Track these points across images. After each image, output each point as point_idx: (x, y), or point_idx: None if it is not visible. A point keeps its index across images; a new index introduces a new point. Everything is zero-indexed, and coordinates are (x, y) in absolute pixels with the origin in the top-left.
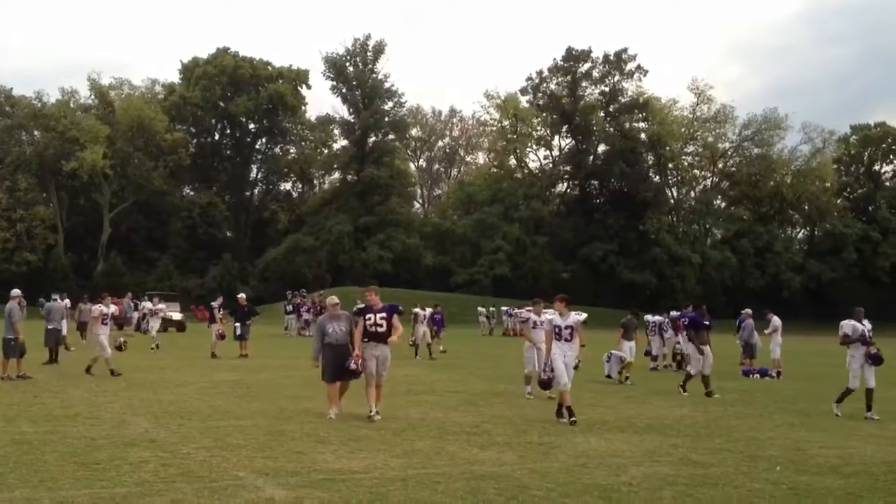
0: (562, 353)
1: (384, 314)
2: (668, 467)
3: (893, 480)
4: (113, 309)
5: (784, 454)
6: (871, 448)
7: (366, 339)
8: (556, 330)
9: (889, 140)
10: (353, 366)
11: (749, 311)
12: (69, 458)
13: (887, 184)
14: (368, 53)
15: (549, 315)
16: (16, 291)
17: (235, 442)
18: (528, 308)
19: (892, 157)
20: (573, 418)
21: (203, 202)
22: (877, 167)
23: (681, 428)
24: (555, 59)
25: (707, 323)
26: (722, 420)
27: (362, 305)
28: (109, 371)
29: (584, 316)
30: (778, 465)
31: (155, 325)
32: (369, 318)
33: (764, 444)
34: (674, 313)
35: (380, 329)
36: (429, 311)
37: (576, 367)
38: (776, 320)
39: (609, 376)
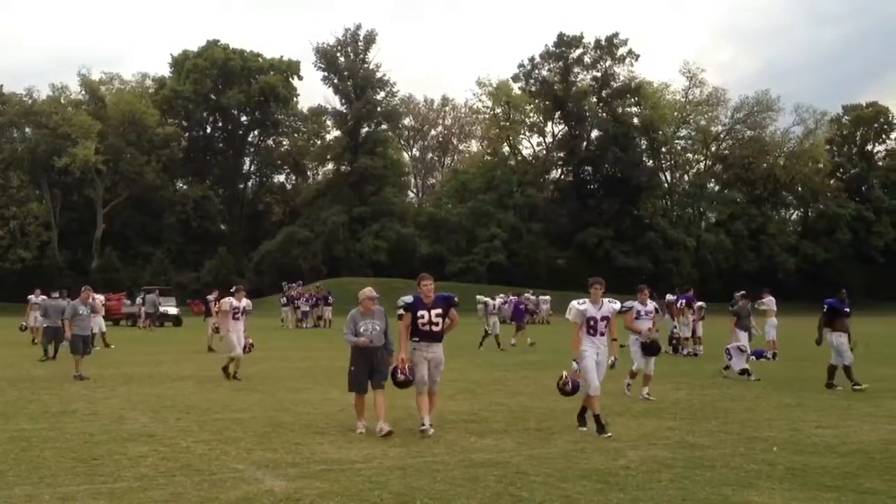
0: (594, 350)
1: (440, 309)
2: (665, 450)
3: (889, 459)
4: (245, 303)
5: (781, 435)
6: (867, 427)
7: (416, 339)
8: (590, 322)
9: (881, 120)
10: (400, 376)
11: (743, 292)
12: (68, 453)
13: (880, 163)
14: (359, 43)
15: (580, 304)
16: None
17: (234, 435)
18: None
19: (884, 136)
20: (607, 433)
21: (197, 196)
22: (869, 147)
23: (677, 411)
24: (546, 45)
25: (847, 310)
26: (718, 402)
27: (410, 299)
28: (232, 374)
29: (618, 305)
30: (775, 446)
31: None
32: (422, 316)
33: (760, 426)
34: (669, 297)
35: (435, 328)
36: (499, 300)
37: (611, 367)
38: (768, 300)
39: (744, 371)
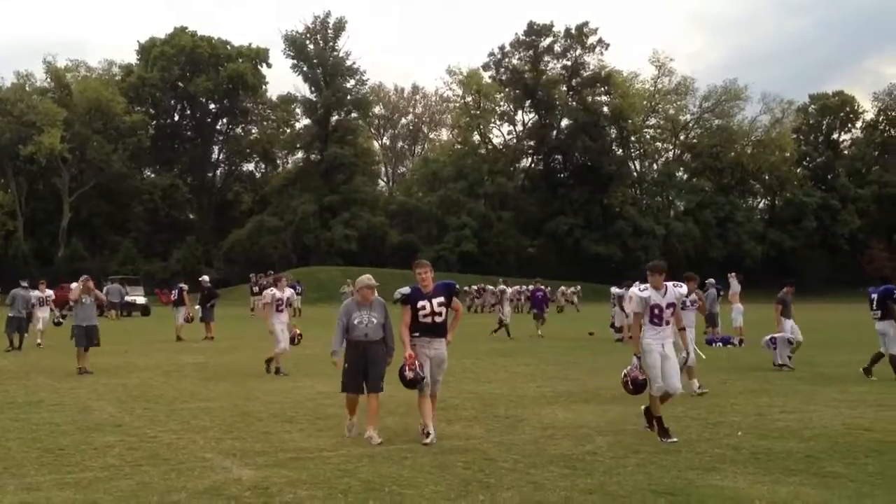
0: (659, 343)
1: (441, 298)
2: (632, 436)
3: (852, 443)
4: (289, 293)
5: (745, 420)
6: (830, 412)
7: (416, 334)
8: (654, 311)
9: (847, 109)
10: (409, 373)
11: (712, 280)
12: (33, 444)
13: (845, 152)
14: (329, 31)
15: (642, 291)
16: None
17: (202, 424)
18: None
19: (849, 125)
20: (671, 438)
21: (164, 184)
22: (835, 136)
23: (644, 397)
24: (516, 33)
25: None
26: (685, 388)
27: (407, 290)
28: (275, 370)
29: (685, 289)
30: (740, 431)
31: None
32: (423, 307)
33: (726, 411)
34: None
35: (438, 319)
36: (512, 288)
37: (684, 363)
38: (734, 284)
39: (782, 365)
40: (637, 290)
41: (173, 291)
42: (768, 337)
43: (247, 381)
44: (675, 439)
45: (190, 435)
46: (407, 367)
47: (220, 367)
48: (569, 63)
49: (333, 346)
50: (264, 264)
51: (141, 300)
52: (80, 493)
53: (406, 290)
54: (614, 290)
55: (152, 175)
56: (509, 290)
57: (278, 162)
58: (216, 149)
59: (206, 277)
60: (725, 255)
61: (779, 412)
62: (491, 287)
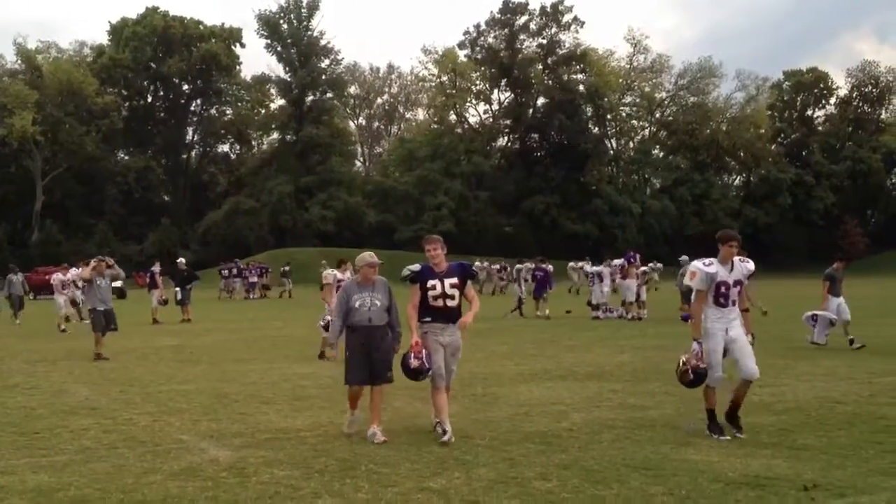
0: (723, 325)
1: (455, 280)
2: (607, 412)
3: (823, 416)
4: (350, 276)
5: (720, 395)
6: (802, 386)
7: (427, 319)
8: (720, 289)
9: (821, 85)
10: (413, 362)
11: (686, 258)
12: (8, 427)
13: (819, 128)
14: (302, 10)
15: (707, 266)
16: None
17: (178, 406)
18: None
19: (823, 102)
20: (724, 435)
21: (138, 166)
22: (809, 112)
23: (620, 374)
24: (492, 11)
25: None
26: (661, 365)
27: (417, 267)
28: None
29: (752, 265)
30: None
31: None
32: (433, 287)
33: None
34: (616, 261)
35: (450, 302)
36: (527, 265)
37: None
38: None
39: (816, 343)
40: (701, 265)
41: (147, 274)
42: (810, 313)
43: (223, 363)
44: (727, 437)
45: (166, 417)
46: (413, 356)
47: (197, 350)
48: (544, 41)
49: (331, 336)
50: (241, 246)
51: (117, 283)
52: (55, 476)
53: (416, 266)
54: (588, 267)
55: (126, 157)
56: (522, 267)
57: (253, 143)
58: (190, 130)
59: (182, 260)
60: (702, 233)
61: (752, 386)
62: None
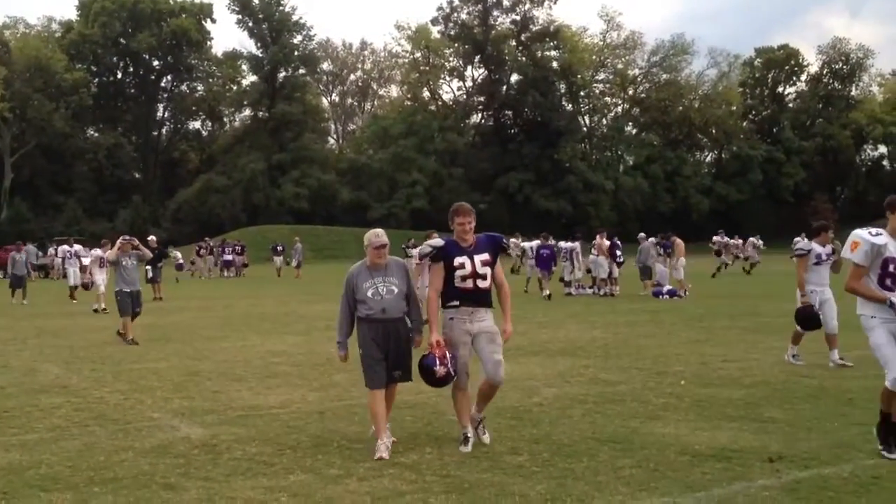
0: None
1: (486, 255)
2: (578, 387)
3: (789, 389)
4: (415, 252)
5: (689, 369)
6: (770, 360)
7: (455, 304)
8: (887, 266)
9: (792, 62)
10: (440, 369)
11: (643, 235)
12: None
13: (790, 105)
14: None
15: (874, 236)
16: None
17: (150, 384)
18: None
19: (794, 79)
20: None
21: (109, 143)
22: (780, 89)
23: (592, 350)
24: None
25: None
26: (631, 340)
27: (440, 242)
28: None
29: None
30: (683, 380)
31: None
32: (461, 265)
33: (670, 361)
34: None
35: (482, 283)
36: (535, 244)
37: None
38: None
39: None
40: (866, 234)
41: None
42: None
43: (195, 341)
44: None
45: (137, 395)
46: (438, 361)
47: (169, 328)
48: (518, 18)
49: (338, 335)
50: (213, 224)
51: (87, 261)
52: (27, 455)
53: (438, 241)
54: (562, 244)
55: (96, 134)
56: (531, 244)
57: (225, 120)
58: (161, 107)
59: (153, 238)
60: (674, 209)
61: (721, 361)
62: (514, 241)
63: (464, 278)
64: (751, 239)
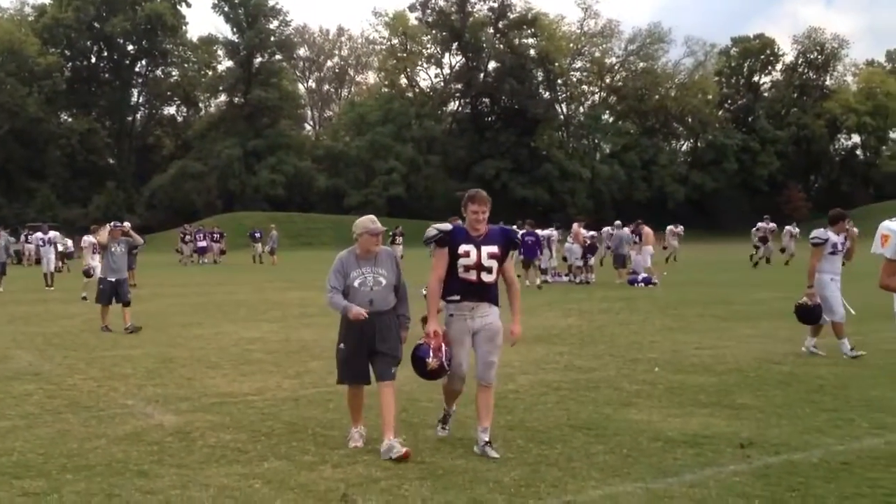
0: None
1: (494, 248)
2: (553, 374)
3: (761, 376)
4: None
5: (662, 356)
6: (743, 347)
7: (456, 298)
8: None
9: (767, 52)
10: (432, 362)
11: (619, 223)
12: None
13: (766, 94)
14: None
15: (832, 234)
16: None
17: (123, 371)
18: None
19: (769, 68)
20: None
21: (82, 128)
22: (756, 78)
23: (567, 337)
24: None
25: None
26: (606, 328)
27: (447, 226)
28: None
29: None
30: (656, 367)
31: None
32: (466, 254)
33: (644, 348)
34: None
35: (487, 277)
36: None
37: None
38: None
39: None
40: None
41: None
42: None
43: (170, 328)
44: None
45: (111, 382)
46: (431, 353)
47: (143, 315)
48: (495, 5)
49: (337, 305)
50: (188, 210)
51: (62, 248)
52: None
53: (445, 226)
54: (539, 232)
55: (69, 119)
56: (543, 233)
57: (201, 105)
58: (135, 92)
59: (128, 224)
60: (650, 198)
61: (694, 348)
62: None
63: (467, 268)
64: (787, 227)
